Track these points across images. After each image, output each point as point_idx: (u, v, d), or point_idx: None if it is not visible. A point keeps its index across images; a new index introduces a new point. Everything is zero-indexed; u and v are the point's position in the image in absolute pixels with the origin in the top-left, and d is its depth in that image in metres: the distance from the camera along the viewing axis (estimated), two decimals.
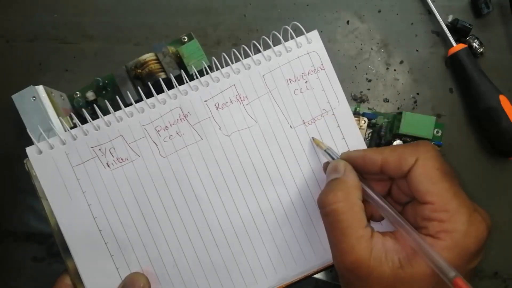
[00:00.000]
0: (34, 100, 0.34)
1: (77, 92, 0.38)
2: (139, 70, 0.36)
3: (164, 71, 0.36)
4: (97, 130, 0.33)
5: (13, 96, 0.34)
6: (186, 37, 0.38)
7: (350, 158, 0.31)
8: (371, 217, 0.32)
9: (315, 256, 0.34)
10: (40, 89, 0.34)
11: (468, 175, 0.42)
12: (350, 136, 0.35)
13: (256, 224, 0.34)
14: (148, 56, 0.37)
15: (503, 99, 0.40)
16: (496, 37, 0.43)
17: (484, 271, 0.41)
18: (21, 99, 0.34)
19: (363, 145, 0.35)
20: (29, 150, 0.33)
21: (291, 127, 0.35)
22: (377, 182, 0.31)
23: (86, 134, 0.33)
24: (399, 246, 0.27)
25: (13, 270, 0.40)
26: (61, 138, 0.33)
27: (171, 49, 0.37)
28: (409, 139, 0.38)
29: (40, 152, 0.33)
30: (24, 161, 0.33)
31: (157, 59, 0.37)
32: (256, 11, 0.43)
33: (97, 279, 0.33)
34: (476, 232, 0.26)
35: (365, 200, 0.30)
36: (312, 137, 0.34)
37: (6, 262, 0.41)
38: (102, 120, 0.33)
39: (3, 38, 0.43)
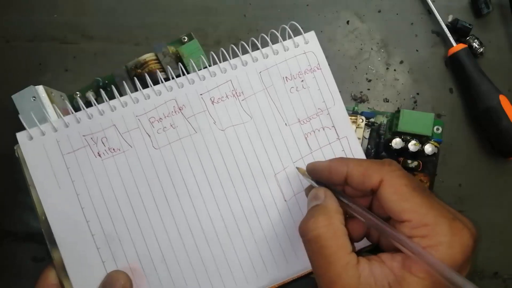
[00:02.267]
0: (34, 100, 0.33)
1: (77, 92, 0.38)
2: (139, 70, 0.36)
3: (164, 71, 0.36)
4: (90, 119, 0.33)
5: (13, 96, 0.34)
6: (186, 37, 0.38)
7: (315, 168, 0.31)
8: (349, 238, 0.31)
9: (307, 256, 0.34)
10: (40, 89, 0.34)
11: (468, 175, 0.42)
12: (345, 136, 0.35)
13: (248, 221, 0.33)
14: (148, 56, 0.37)
15: (503, 99, 0.40)
16: (496, 37, 0.43)
17: (484, 271, 0.41)
18: (21, 99, 0.33)
19: (358, 146, 0.35)
20: (19, 135, 0.32)
21: (286, 124, 0.34)
22: (359, 198, 0.30)
23: (78, 122, 0.32)
24: (387, 270, 0.26)
25: (13, 270, 0.40)
26: (53, 125, 0.32)
27: (171, 49, 0.37)
28: (409, 137, 0.38)
29: (31, 138, 0.32)
30: (15, 147, 0.32)
31: (157, 59, 0.37)
32: (256, 11, 0.43)
33: (82, 271, 0.32)
34: (460, 240, 0.25)
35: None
36: (296, 167, 0.34)
37: (6, 262, 0.41)
38: (95, 109, 0.33)
39: (3, 38, 0.43)
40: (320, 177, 0.30)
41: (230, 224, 0.33)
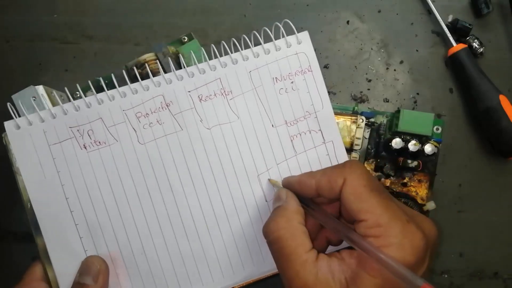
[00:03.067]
0: (34, 100, 0.33)
1: (77, 92, 0.38)
2: (139, 70, 0.36)
3: (164, 71, 0.36)
4: (77, 111, 0.33)
5: (13, 96, 0.34)
6: (186, 37, 0.38)
7: (289, 184, 0.32)
8: (329, 242, 0.32)
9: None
10: (40, 89, 0.34)
11: (468, 175, 0.42)
12: (331, 141, 0.35)
13: (228, 219, 0.34)
14: (148, 56, 0.37)
15: (503, 99, 0.40)
16: (496, 37, 0.43)
17: (484, 271, 0.41)
18: (21, 99, 0.33)
19: (343, 150, 0.35)
20: (7, 124, 0.33)
21: (273, 126, 0.34)
22: (328, 205, 0.31)
23: (65, 114, 0.33)
24: (345, 266, 0.27)
25: (13, 270, 0.40)
26: (40, 115, 0.33)
27: (171, 49, 0.37)
28: (409, 137, 0.38)
29: (18, 127, 0.33)
30: (3, 135, 0.33)
31: (157, 59, 0.37)
32: (256, 11, 0.44)
33: (65, 259, 0.32)
34: (411, 242, 0.26)
35: (321, 225, 0.31)
36: (268, 179, 0.34)
37: (6, 262, 0.41)
38: (83, 101, 0.33)
39: (3, 38, 0.43)
40: (293, 191, 0.31)
41: (210, 220, 0.34)
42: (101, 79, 0.33)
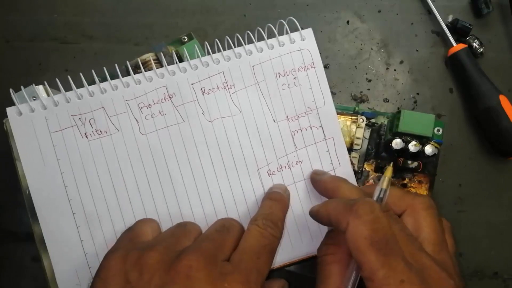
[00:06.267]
0: (34, 100, 0.34)
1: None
2: (139, 70, 0.36)
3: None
4: (79, 99, 0.33)
5: (13, 96, 0.34)
6: (186, 37, 0.38)
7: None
8: None
9: (282, 251, 0.34)
10: (40, 89, 0.34)
11: (468, 175, 0.42)
12: (331, 137, 0.35)
13: (227, 213, 0.34)
14: (148, 56, 0.37)
15: (503, 99, 0.40)
16: (496, 37, 0.43)
17: (484, 271, 0.41)
18: (21, 99, 0.33)
19: (343, 147, 0.35)
20: (9, 110, 0.33)
21: (274, 121, 0.34)
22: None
23: (68, 102, 0.33)
24: None
25: (13, 270, 0.40)
26: (42, 103, 0.33)
27: (171, 49, 0.37)
28: (409, 137, 0.38)
29: (20, 113, 0.32)
30: (4, 121, 0.33)
31: (157, 59, 0.37)
32: (256, 11, 0.43)
33: (61, 247, 0.32)
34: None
35: None
36: (388, 166, 0.33)
37: (6, 262, 0.41)
38: (86, 90, 0.33)
39: (3, 38, 0.43)
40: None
41: (210, 213, 0.34)
42: (104, 68, 0.33)
